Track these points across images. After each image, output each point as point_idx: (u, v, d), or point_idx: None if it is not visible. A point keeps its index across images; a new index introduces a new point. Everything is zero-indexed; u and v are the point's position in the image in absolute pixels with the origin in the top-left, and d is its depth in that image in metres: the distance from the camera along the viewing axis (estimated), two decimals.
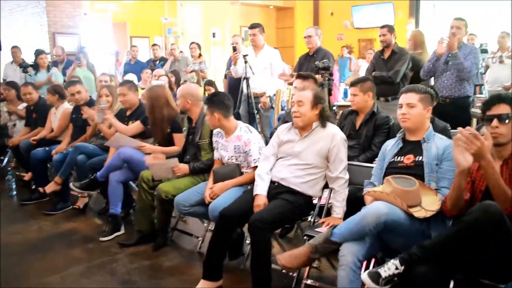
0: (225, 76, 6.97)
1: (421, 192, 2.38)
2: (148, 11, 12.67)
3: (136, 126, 4.17)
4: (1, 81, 6.83)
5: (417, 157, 2.58)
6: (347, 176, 2.99)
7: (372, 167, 2.90)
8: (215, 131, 3.44)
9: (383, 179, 2.60)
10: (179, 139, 3.91)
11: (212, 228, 3.55)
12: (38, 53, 7.29)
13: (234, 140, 3.30)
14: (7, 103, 5.91)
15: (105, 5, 11.92)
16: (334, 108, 4.10)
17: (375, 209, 2.23)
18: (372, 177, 2.77)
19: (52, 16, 8.60)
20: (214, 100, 3.30)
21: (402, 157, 2.63)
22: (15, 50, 7.70)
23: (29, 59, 7.50)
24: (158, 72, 6.81)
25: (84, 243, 3.85)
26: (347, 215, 2.94)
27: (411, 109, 2.65)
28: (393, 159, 2.66)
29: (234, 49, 5.70)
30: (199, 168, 3.55)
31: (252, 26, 5.60)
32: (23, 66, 6.84)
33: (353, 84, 3.65)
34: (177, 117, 3.99)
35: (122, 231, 3.97)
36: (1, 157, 6.34)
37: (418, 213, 2.30)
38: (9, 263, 3.49)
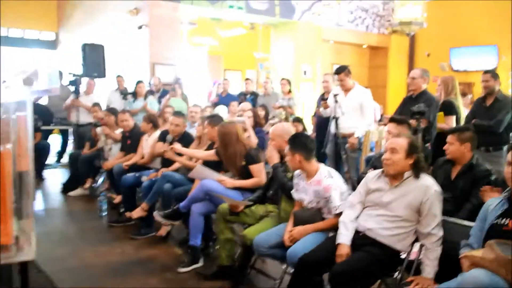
0: (314, 114, 6.90)
1: None
2: (243, 45, 13.09)
3: (209, 153, 4.30)
4: (105, 107, 7.33)
5: None
6: (440, 233, 2.74)
7: (470, 226, 2.64)
8: (296, 173, 3.35)
9: (483, 243, 2.34)
10: (257, 169, 3.91)
11: (290, 271, 3.45)
12: (138, 82, 7.74)
13: (315, 184, 3.18)
14: (105, 127, 6.27)
15: (202, 38, 12.50)
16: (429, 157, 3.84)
17: (475, 278, 2.00)
18: (470, 238, 2.51)
19: (154, 48, 9.13)
20: (296, 142, 3.22)
21: (508, 219, 2.35)
22: (119, 79, 8.28)
23: (130, 87, 8.00)
24: (245, 106, 6.89)
25: (162, 272, 3.89)
26: (438, 275, 2.71)
27: None
28: (496, 221, 2.39)
29: (323, 97, 5.64)
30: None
31: (337, 72, 5.46)
32: (124, 94, 7.29)
33: (451, 132, 3.42)
34: (250, 150, 3.99)
35: (200, 264, 3.97)
36: (96, 178, 6.71)
37: None
38: (90, 284, 3.60)
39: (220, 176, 3.99)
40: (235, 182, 3.92)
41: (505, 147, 4.70)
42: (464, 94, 8.52)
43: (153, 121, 5.43)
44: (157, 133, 5.39)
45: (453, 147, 3.31)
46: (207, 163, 4.40)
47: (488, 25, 10.78)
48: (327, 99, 5.63)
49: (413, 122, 4.17)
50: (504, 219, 2.37)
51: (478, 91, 8.85)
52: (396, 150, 2.81)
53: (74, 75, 7.70)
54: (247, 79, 9.19)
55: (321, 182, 3.14)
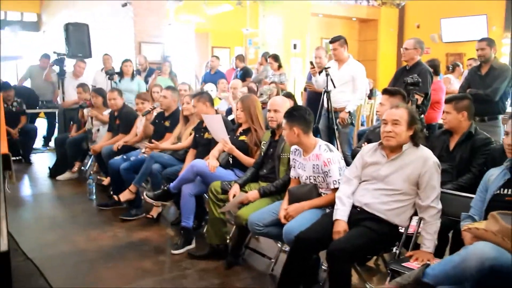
0: (305, 89, 6.77)
1: None
2: (230, 22, 12.82)
3: (188, 142, 4.45)
4: (91, 87, 7.12)
5: None
6: (439, 206, 2.65)
7: (470, 197, 2.56)
8: (292, 148, 3.24)
9: (485, 214, 2.26)
10: (256, 151, 3.79)
11: (286, 249, 3.37)
12: (124, 61, 7.53)
13: (313, 159, 3.07)
14: (92, 109, 6.10)
15: (189, 16, 12.22)
16: (425, 130, 3.74)
17: (479, 251, 1.91)
18: (472, 209, 2.43)
19: (139, 26, 8.88)
20: (294, 115, 3.09)
21: (510, 190, 2.27)
22: (106, 57, 8.03)
23: (117, 67, 7.79)
24: (235, 83, 6.75)
25: (155, 255, 3.80)
26: (437, 249, 2.64)
27: None
28: (498, 191, 2.32)
29: (312, 64, 5.52)
30: (269, 191, 3.36)
31: (332, 40, 5.32)
32: (109, 73, 7.08)
33: (447, 101, 3.32)
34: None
35: (193, 245, 3.87)
36: (85, 161, 6.57)
37: None
38: (82, 270, 3.50)
39: (227, 138, 3.82)
40: (237, 151, 3.77)
41: (501, 116, 4.62)
42: (454, 66, 8.42)
43: (147, 99, 5.27)
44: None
45: (450, 116, 3.22)
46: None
47: None
48: (314, 67, 5.50)
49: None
50: (506, 190, 2.30)
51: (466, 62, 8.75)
52: (399, 122, 2.69)
53: (58, 54, 7.45)
54: (238, 55, 9.00)
55: (320, 156, 3.04)
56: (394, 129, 2.69)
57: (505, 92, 4.53)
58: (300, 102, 7.60)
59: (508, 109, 4.85)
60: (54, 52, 7.54)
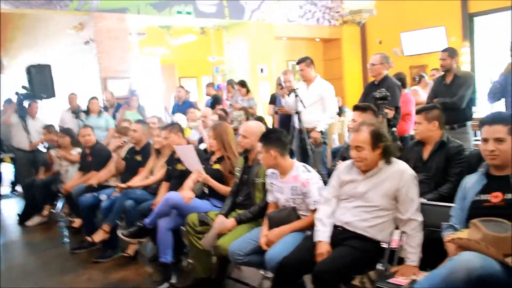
0: (276, 112, 6.77)
1: None
2: (195, 51, 12.85)
3: (161, 174, 4.39)
4: (58, 127, 6.95)
5: (507, 195, 2.20)
6: (420, 218, 2.62)
7: (448, 207, 2.54)
8: (268, 172, 3.18)
9: (466, 222, 2.23)
10: (231, 178, 3.70)
11: (269, 276, 3.27)
12: (90, 98, 7.40)
13: (291, 181, 3.02)
14: (59, 150, 5.93)
15: (153, 48, 12.20)
16: (398, 142, 3.74)
17: (465, 262, 1.87)
18: (452, 219, 2.40)
19: (103, 63, 8.78)
20: (270, 137, 3.05)
21: (488, 195, 2.25)
22: (72, 96, 7.86)
23: (83, 104, 7.64)
24: (206, 111, 6.70)
25: None
26: (423, 262, 2.59)
27: (500, 144, 2.25)
28: (477, 198, 2.29)
29: (280, 85, 5.55)
30: (246, 218, 3.29)
31: (299, 61, 5.37)
32: (75, 112, 6.93)
33: (418, 112, 3.33)
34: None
35: (173, 280, 3.73)
36: (55, 203, 6.35)
37: None
38: None
39: (201, 168, 3.72)
40: (212, 181, 3.68)
41: (469, 123, 4.69)
42: (420, 78, 8.60)
43: (125, 133, 5.15)
44: (126, 148, 5.11)
45: (421, 126, 3.23)
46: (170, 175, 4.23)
47: (436, 7, 10.94)
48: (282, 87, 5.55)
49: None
50: (484, 195, 2.28)
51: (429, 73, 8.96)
52: (362, 147, 2.67)
53: (21, 94, 7.23)
54: (208, 84, 9.05)
55: (298, 177, 2.99)
56: (359, 154, 2.68)
57: (470, 98, 4.61)
58: (270, 125, 7.59)
59: (475, 115, 4.93)
60: (16, 93, 7.30)
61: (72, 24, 9.06)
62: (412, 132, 5.30)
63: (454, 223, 2.37)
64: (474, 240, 1.98)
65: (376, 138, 2.66)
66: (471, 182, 2.39)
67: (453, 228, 2.35)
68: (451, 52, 4.73)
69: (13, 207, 7.20)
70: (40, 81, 7.76)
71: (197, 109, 7.81)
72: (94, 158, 5.33)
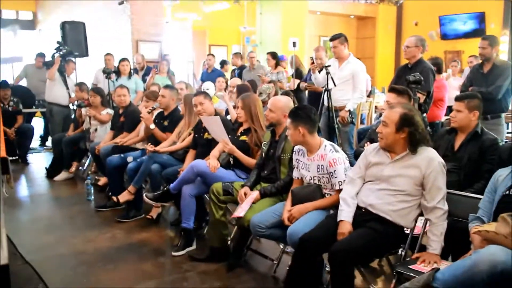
0: (305, 89, 6.72)
1: None
2: (228, 20, 12.75)
3: (187, 142, 4.43)
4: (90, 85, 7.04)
5: None
6: (446, 207, 2.60)
7: (477, 198, 2.52)
8: (296, 148, 3.18)
9: (494, 215, 2.21)
10: (257, 151, 3.72)
11: (288, 251, 3.33)
12: (121, 60, 7.45)
13: (318, 159, 3.02)
14: (90, 108, 6.02)
15: (186, 14, 12.14)
16: (428, 128, 3.66)
17: (490, 255, 1.86)
18: (480, 211, 2.38)
19: (136, 25, 8.80)
20: (299, 114, 3.03)
21: None
22: (108, 57, 7.88)
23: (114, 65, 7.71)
24: (234, 82, 6.69)
25: (155, 257, 3.74)
26: (444, 251, 2.59)
27: None
28: (507, 192, 2.27)
29: (312, 60, 5.48)
30: (270, 192, 3.31)
31: (332, 38, 5.26)
32: (107, 72, 7.00)
33: (458, 99, 3.25)
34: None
35: (193, 247, 3.82)
36: (82, 161, 6.50)
37: None
38: (80, 273, 3.44)
39: (227, 138, 3.74)
40: (238, 152, 3.69)
41: (503, 115, 4.58)
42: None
43: (156, 97, 5.17)
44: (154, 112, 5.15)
45: (461, 115, 3.15)
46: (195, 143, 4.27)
47: None
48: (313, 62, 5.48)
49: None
50: None
51: (465, 59, 8.75)
52: (386, 124, 2.66)
53: (60, 49, 7.32)
54: (235, 53, 8.93)
55: (325, 156, 2.98)
56: (383, 129, 2.66)
57: (507, 90, 4.49)
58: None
59: (510, 107, 4.82)
60: (56, 48, 7.36)
61: None
62: (443, 119, 5.22)
63: (482, 215, 2.36)
64: (502, 234, 1.97)
65: (404, 121, 2.63)
66: (503, 176, 2.36)
67: (480, 220, 2.34)
68: (492, 41, 4.58)
69: (42, 161, 7.40)
70: (73, 38, 7.83)
71: (226, 79, 7.79)
72: (127, 119, 5.37)
